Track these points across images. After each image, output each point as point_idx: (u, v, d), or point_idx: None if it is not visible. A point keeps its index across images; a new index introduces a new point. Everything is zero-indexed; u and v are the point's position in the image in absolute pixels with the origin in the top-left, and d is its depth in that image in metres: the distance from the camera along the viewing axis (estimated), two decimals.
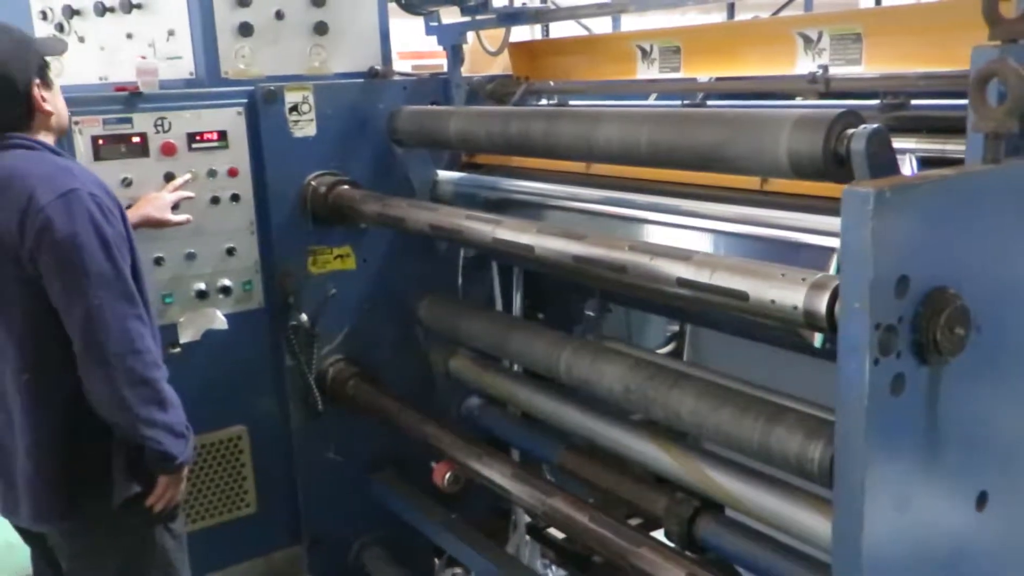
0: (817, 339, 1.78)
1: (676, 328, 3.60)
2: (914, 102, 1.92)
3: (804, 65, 2.27)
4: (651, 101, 2.91)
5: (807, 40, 2.23)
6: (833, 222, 1.90)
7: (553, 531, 3.23)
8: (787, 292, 1.42)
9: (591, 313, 3.24)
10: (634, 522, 2.94)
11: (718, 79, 2.45)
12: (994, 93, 1.33)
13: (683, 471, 2.22)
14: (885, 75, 1.87)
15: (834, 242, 1.86)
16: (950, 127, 1.80)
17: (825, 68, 1.92)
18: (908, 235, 1.19)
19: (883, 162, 1.49)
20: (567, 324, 3.11)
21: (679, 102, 2.68)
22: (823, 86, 1.90)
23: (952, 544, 1.38)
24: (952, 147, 1.77)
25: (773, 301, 1.43)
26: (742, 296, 1.48)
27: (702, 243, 2.21)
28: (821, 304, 1.37)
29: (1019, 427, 1.43)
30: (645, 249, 1.71)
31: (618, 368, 2.13)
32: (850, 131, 1.51)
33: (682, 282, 1.60)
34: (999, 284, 1.32)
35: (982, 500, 1.38)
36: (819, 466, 1.66)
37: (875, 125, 1.48)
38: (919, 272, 1.21)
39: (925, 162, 1.81)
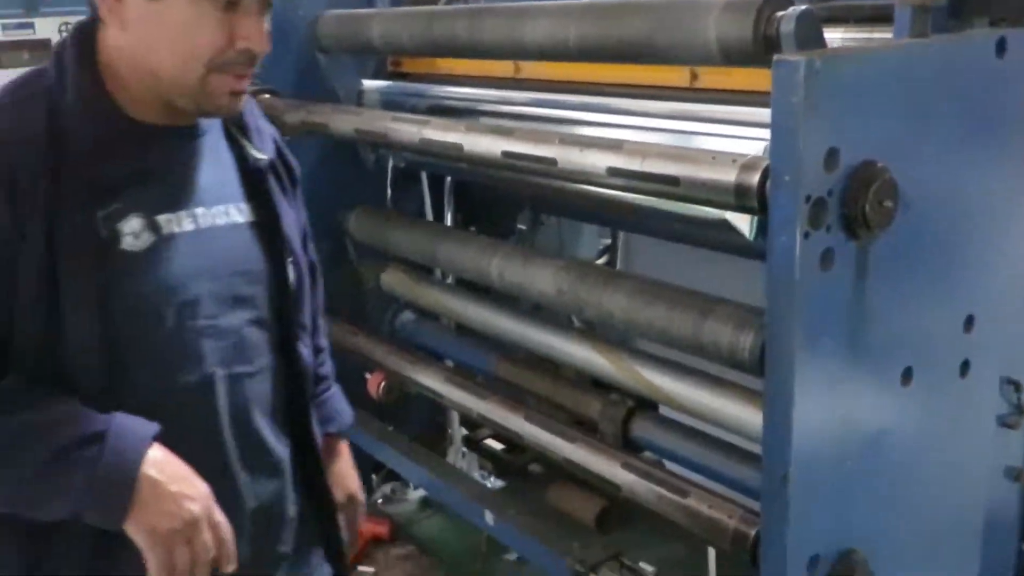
0: (747, 228, 1.78)
1: (608, 241, 3.62)
2: None
3: None
4: None
5: None
6: (764, 114, 1.93)
7: (490, 443, 3.25)
8: (718, 173, 1.41)
9: (523, 226, 3.24)
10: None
11: None
12: None
13: (616, 372, 2.24)
14: None
15: (766, 134, 1.87)
16: (877, 16, 1.79)
17: None
18: (838, 107, 1.18)
19: (813, 45, 1.47)
20: (499, 237, 3.10)
21: None
22: None
23: (878, 421, 1.41)
24: (879, 36, 1.76)
25: (704, 183, 1.42)
26: (673, 181, 1.47)
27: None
28: (752, 181, 1.37)
29: (940, 304, 1.46)
30: (575, 141, 1.68)
31: (549, 270, 2.12)
32: (779, 13, 1.49)
33: (613, 171, 1.58)
34: (925, 161, 1.33)
35: (907, 376, 1.41)
36: (750, 354, 1.68)
37: (804, 7, 1.47)
38: (848, 145, 1.21)
39: None
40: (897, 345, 1.39)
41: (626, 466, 1.86)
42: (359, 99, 2.82)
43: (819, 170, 1.18)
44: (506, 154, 1.80)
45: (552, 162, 1.69)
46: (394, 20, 2.31)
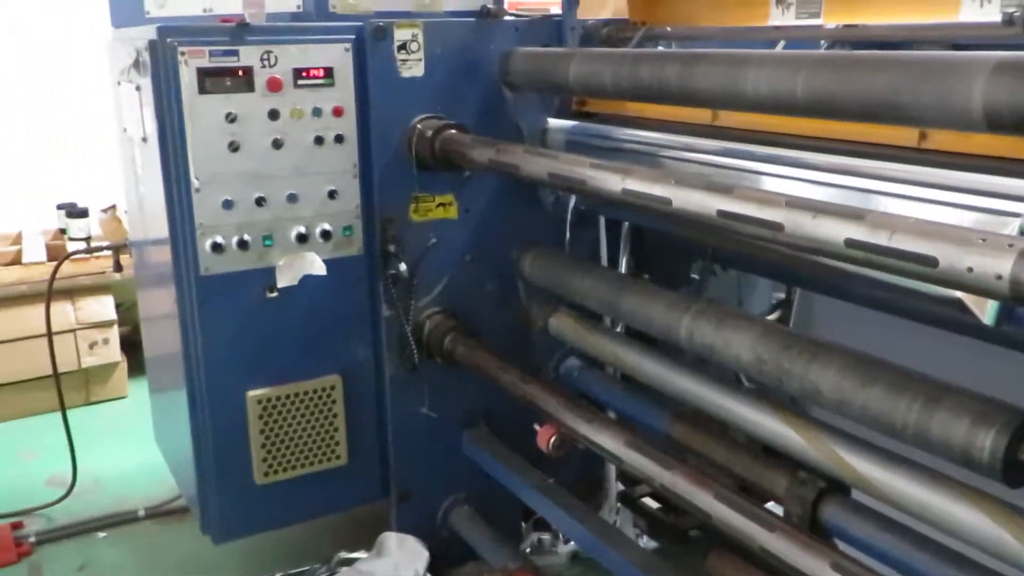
0: (988, 314, 1.60)
1: (783, 296, 3.43)
2: None
3: (969, 12, 2.07)
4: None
5: None
6: (1008, 183, 1.74)
7: (647, 500, 3.11)
8: (988, 259, 1.24)
9: (696, 276, 3.10)
10: None
11: (868, 27, 2.24)
12: None
13: (808, 447, 2.06)
14: None
15: (1012, 206, 1.68)
16: None
17: None
18: None
19: None
20: (673, 285, 2.97)
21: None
22: (1022, 29, 1.68)
23: None
24: None
25: (970, 269, 1.26)
26: (930, 262, 1.31)
27: (848, 203, 2.02)
28: None
29: None
30: (806, 206, 1.53)
31: (747, 335, 1.97)
32: None
33: (852, 243, 1.43)
34: None
35: None
36: (990, 455, 1.49)
37: None
38: None
39: None
40: None
41: (836, 568, 1.68)
42: (543, 137, 2.75)
43: None
44: (722, 214, 1.67)
45: (778, 227, 1.56)
46: (595, 60, 2.23)
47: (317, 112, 2.54)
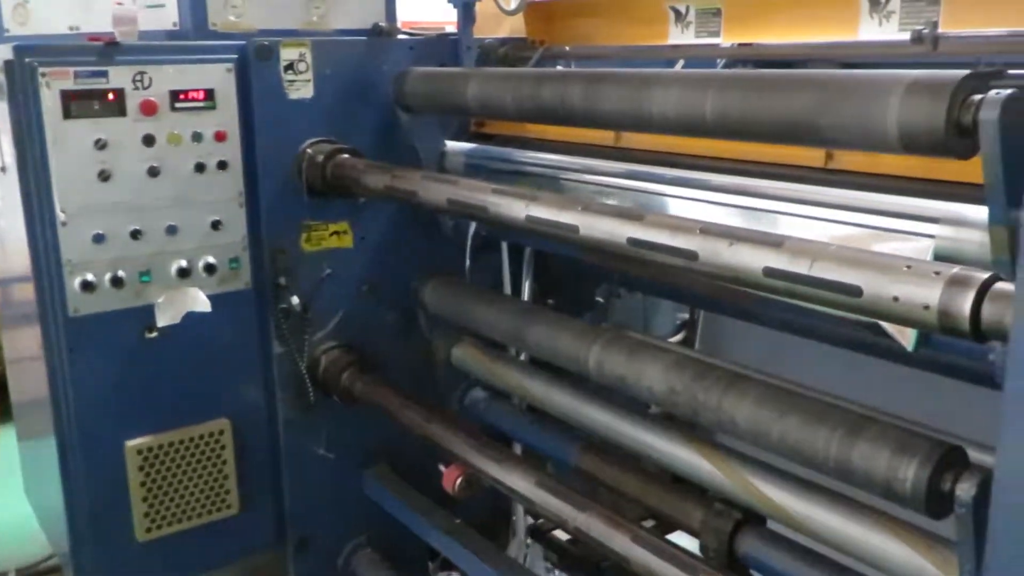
0: (910, 340, 1.55)
1: (686, 316, 3.40)
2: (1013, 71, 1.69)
3: (868, 30, 2.05)
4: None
5: (873, 2, 2.00)
6: (916, 204, 1.71)
7: (558, 533, 3.01)
8: (915, 288, 1.18)
9: (601, 299, 3.04)
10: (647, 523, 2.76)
11: (766, 46, 2.21)
12: None
13: (723, 477, 2.00)
14: (1014, 33, 1.64)
15: (924, 228, 1.65)
16: None
17: (935, 24, 1.68)
18: None
19: (1017, 135, 1.26)
20: (577, 310, 2.90)
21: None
22: (931, 46, 1.65)
23: None
24: None
25: (896, 298, 1.20)
26: (854, 291, 1.24)
27: (755, 226, 1.96)
28: (963, 304, 1.14)
29: None
30: (721, 233, 1.46)
31: (659, 366, 1.89)
32: (977, 97, 1.28)
33: (771, 272, 1.36)
34: None
35: None
36: (912, 488, 1.44)
37: (1010, 90, 1.25)
38: None
39: None
40: None
41: None
42: (441, 161, 2.64)
43: None
44: (633, 242, 1.59)
45: (692, 256, 1.48)
46: (495, 81, 2.13)
47: (197, 137, 2.36)
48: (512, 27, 2.92)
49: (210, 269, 2.43)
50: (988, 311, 1.12)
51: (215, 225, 2.42)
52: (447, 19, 2.83)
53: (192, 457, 2.50)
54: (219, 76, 2.37)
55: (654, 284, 2.74)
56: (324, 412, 2.69)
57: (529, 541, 3.05)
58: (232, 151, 2.42)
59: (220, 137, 2.39)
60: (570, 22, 2.73)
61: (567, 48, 2.70)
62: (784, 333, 2.34)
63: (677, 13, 2.42)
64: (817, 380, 2.16)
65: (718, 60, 2.59)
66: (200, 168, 2.38)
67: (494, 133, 2.73)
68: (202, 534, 2.57)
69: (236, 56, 2.40)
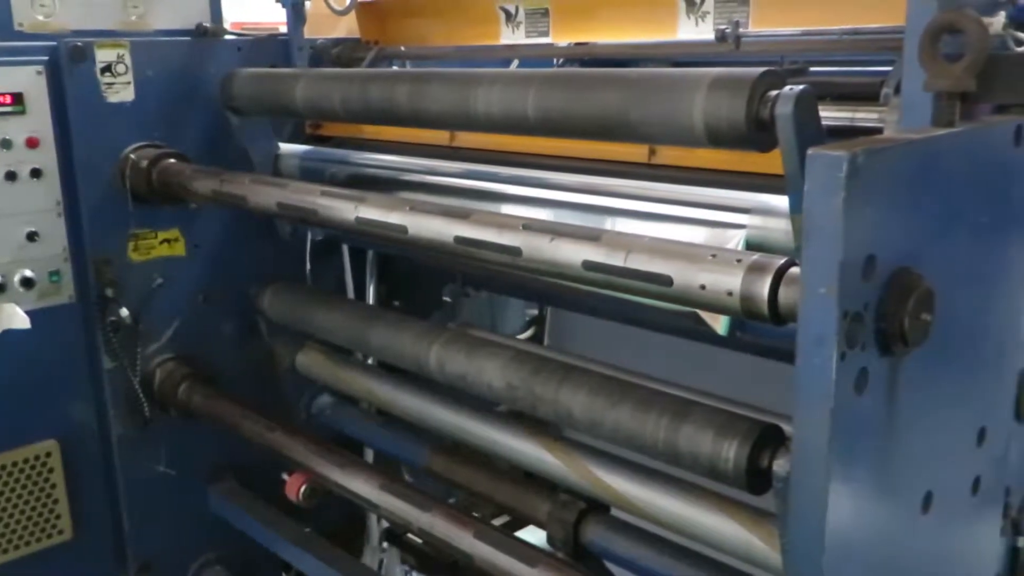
0: (722, 325, 1.62)
1: (536, 312, 3.45)
2: (814, 68, 1.79)
3: (687, 30, 2.13)
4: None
5: (689, 2, 2.08)
6: (729, 196, 1.78)
7: (413, 536, 2.99)
8: (720, 276, 1.23)
9: (448, 299, 3.04)
10: (499, 521, 2.77)
11: (597, 45, 2.26)
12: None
13: (566, 469, 2.04)
14: (808, 32, 1.72)
15: (735, 218, 1.72)
16: (857, 94, 1.68)
17: (736, 24, 1.75)
18: (877, 207, 1.02)
19: (810, 128, 1.33)
20: (425, 310, 2.89)
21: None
22: (734, 45, 1.73)
23: (899, 550, 1.25)
24: (863, 115, 1.64)
25: (703, 286, 1.24)
26: (665, 281, 1.28)
27: (584, 221, 2.01)
28: (762, 289, 1.19)
29: (957, 419, 1.32)
30: (544, 229, 1.48)
31: (497, 362, 1.90)
32: (773, 93, 1.34)
33: (590, 265, 1.39)
34: (955, 263, 1.18)
35: (927, 503, 1.25)
36: (734, 467, 1.50)
37: (802, 87, 1.32)
38: (885, 251, 1.05)
39: (832, 132, 1.68)
40: (918, 469, 1.23)
41: None
42: (276, 164, 2.58)
43: (857, 281, 1.02)
44: (460, 240, 1.59)
45: (516, 252, 1.49)
46: (323, 82, 2.09)
47: (6, 144, 2.22)
48: (348, 28, 2.88)
49: (28, 283, 2.30)
50: (784, 295, 1.18)
51: (31, 237, 2.29)
52: (278, 19, 2.76)
53: (16, 482, 2.35)
54: (28, 79, 2.24)
55: (497, 282, 2.77)
56: (162, 428, 2.58)
57: (385, 545, 3.02)
58: (47, 158, 2.29)
59: (32, 143, 2.26)
60: (403, 22, 2.72)
61: (402, 48, 2.69)
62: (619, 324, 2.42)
63: (507, 13, 2.44)
64: (659, 367, 2.23)
65: (554, 60, 2.64)
66: (11, 177, 2.24)
67: (331, 135, 2.68)
68: (32, 563, 2.42)
69: (47, 58, 2.27)
